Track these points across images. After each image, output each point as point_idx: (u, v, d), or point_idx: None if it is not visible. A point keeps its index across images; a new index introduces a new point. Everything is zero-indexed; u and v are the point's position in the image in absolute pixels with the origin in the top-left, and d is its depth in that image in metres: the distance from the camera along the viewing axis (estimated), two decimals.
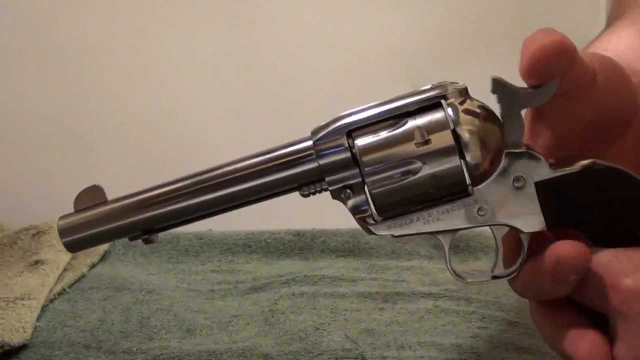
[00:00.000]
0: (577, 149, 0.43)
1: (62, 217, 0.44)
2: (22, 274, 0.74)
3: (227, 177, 0.42)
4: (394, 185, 0.41)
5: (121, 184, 1.23)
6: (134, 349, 0.61)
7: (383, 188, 0.41)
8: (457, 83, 0.42)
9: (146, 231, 0.43)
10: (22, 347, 0.61)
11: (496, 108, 0.42)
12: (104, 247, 0.82)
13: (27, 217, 0.92)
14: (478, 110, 0.41)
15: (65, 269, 0.77)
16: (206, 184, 0.42)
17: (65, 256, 0.80)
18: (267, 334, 0.62)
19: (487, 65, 1.09)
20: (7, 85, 1.11)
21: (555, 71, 0.40)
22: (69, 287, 0.73)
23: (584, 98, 0.41)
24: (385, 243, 0.78)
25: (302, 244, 0.80)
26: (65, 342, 0.62)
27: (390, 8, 1.09)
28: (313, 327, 0.62)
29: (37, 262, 0.77)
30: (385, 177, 0.41)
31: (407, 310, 0.64)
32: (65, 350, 0.61)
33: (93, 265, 0.78)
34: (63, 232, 0.43)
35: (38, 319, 0.66)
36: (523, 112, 0.41)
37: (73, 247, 0.44)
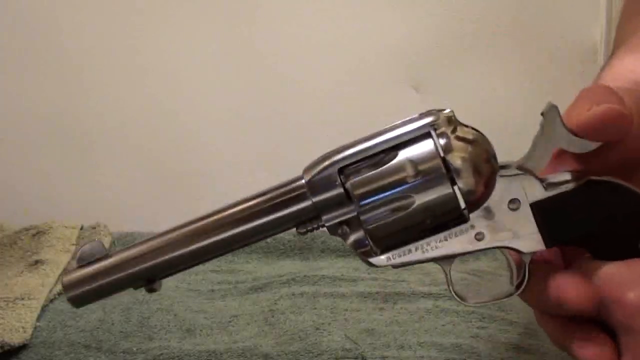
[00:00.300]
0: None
1: (65, 273, 0.45)
2: (22, 274, 0.74)
3: (223, 222, 0.42)
4: (389, 219, 0.41)
5: (121, 184, 1.24)
6: (134, 349, 0.61)
7: (379, 222, 0.41)
8: (444, 110, 0.42)
9: (149, 280, 0.44)
10: (22, 347, 0.61)
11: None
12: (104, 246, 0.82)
13: (27, 217, 0.92)
14: (468, 137, 0.41)
15: (65, 269, 0.77)
16: (202, 230, 0.43)
17: (65, 256, 0.80)
18: (267, 334, 0.62)
19: (487, 66, 1.09)
20: (7, 85, 1.11)
21: (610, 139, 0.40)
22: None
23: (618, 143, 0.41)
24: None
25: (302, 244, 0.80)
26: (65, 342, 0.62)
27: (390, 8, 1.09)
28: (313, 327, 0.62)
29: (37, 262, 0.77)
30: (380, 211, 0.41)
31: (407, 310, 0.64)
32: (65, 350, 0.61)
33: None
34: (67, 287, 0.44)
35: (38, 319, 0.66)
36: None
37: (78, 302, 0.44)
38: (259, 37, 1.10)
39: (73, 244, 0.83)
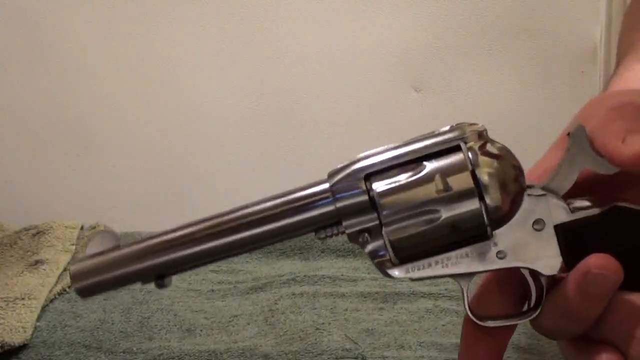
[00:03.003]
0: (599, 190, 0.42)
1: (74, 262, 0.43)
2: (22, 274, 0.74)
3: (242, 221, 0.41)
4: (412, 230, 0.40)
5: (121, 184, 1.24)
6: (134, 349, 0.61)
7: (402, 234, 0.40)
8: (476, 124, 0.41)
9: (159, 276, 0.43)
10: (22, 347, 0.61)
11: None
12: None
13: (27, 217, 0.92)
14: (498, 153, 0.40)
15: (65, 269, 0.77)
16: (221, 228, 0.41)
17: (65, 256, 0.80)
18: (267, 334, 0.62)
19: (487, 66, 1.09)
20: (8, 85, 1.11)
21: None
22: (69, 287, 0.73)
23: None
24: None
25: (302, 244, 0.80)
26: (65, 342, 0.62)
27: (391, 9, 1.09)
28: (313, 327, 0.62)
29: (37, 262, 0.77)
30: (404, 222, 0.40)
31: (407, 310, 0.64)
32: (65, 350, 0.61)
33: None
34: (75, 277, 0.42)
35: (38, 319, 0.66)
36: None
37: (85, 292, 0.42)
38: (260, 37, 1.10)
39: (73, 244, 0.83)
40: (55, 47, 1.10)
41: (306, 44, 1.10)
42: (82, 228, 0.87)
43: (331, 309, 0.65)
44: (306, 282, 0.71)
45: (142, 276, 0.42)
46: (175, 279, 0.76)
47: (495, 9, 1.09)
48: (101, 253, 0.42)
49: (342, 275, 0.72)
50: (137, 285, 0.72)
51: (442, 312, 0.63)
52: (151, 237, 0.42)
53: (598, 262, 0.38)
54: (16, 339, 0.61)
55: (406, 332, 0.60)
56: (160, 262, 0.42)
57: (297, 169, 1.09)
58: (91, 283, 0.42)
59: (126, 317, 0.66)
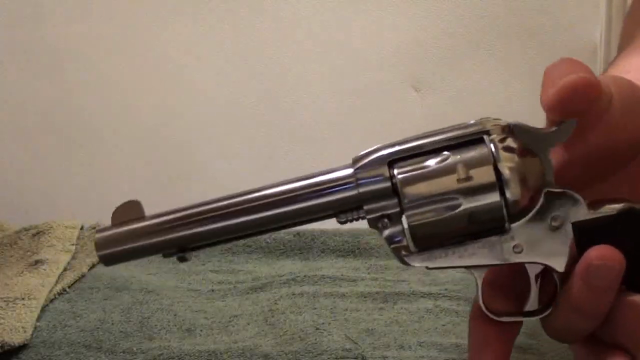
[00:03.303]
0: (580, 173, 0.42)
1: (99, 230, 0.43)
2: (22, 274, 0.74)
3: (267, 200, 0.42)
4: (432, 219, 0.40)
5: (121, 183, 1.23)
6: (134, 349, 0.61)
7: (422, 221, 0.40)
8: (499, 119, 0.41)
9: (181, 249, 0.43)
10: (22, 347, 0.61)
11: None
12: None
13: (27, 217, 0.92)
14: (520, 147, 0.40)
15: (65, 269, 0.77)
16: (246, 205, 0.42)
17: (66, 256, 0.80)
18: (267, 334, 0.62)
19: (487, 65, 1.09)
20: (7, 85, 1.11)
21: (581, 110, 0.39)
22: (69, 287, 0.73)
23: (597, 123, 0.40)
24: (385, 243, 0.78)
25: (302, 244, 0.80)
26: (65, 342, 0.62)
27: (391, 8, 1.09)
28: (313, 327, 0.62)
29: (37, 262, 0.77)
30: (424, 210, 0.40)
31: (407, 310, 0.64)
32: (65, 350, 0.61)
33: (93, 265, 0.78)
34: (100, 244, 0.43)
35: (38, 319, 0.66)
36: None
37: (108, 260, 0.43)
38: (259, 35, 1.10)
39: (73, 244, 0.83)
40: (55, 46, 1.10)
41: (306, 42, 1.10)
42: (82, 228, 0.87)
43: (331, 309, 0.65)
44: (306, 282, 0.71)
45: (166, 248, 0.42)
46: (176, 279, 0.77)
47: (496, 9, 1.09)
48: (126, 222, 0.43)
49: (342, 275, 0.72)
50: (137, 286, 0.72)
51: (442, 312, 0.63)
52: (176, 210, 0.43)
53: (599, 254, 0.38)
54: (16, 339, 0.61)
55: (406, 332, 0.60)
56: (184, 235, 0.42)
57: (297, 168, 1.09)
58: (115, 251, 0.42)
59: (126, 317, 0.66)
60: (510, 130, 0.41)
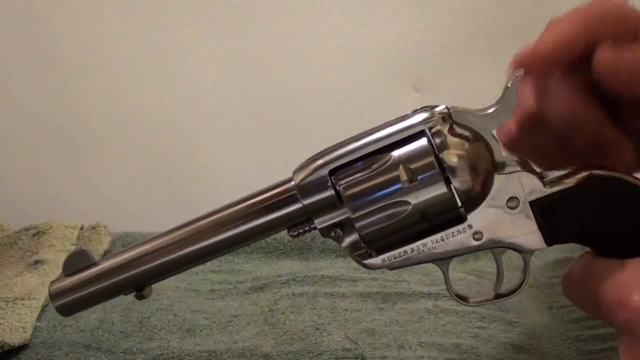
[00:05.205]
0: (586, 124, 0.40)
1: (52, 282, 0.44)
2: (22, 274, 0.74)
3: (211, 227, 0.42)
4: (383, 222, 0.40)
5: (121, 184, 1.23)
6: (134, 349, 0.61)
7: (373, 226, 0.40)
8: (439, 106, 0.41)
9: (139, 287, 0.43)
10: (22, 347, 0.61)
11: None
12: (104, 247, 0.82)
13: (27, 217, 0.92)
14: (464, 134, 0.40)
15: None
16: (192, 235, 0.42)
17: (65, 256, 0.80)
18: (267, 334, 0.62)
19: (487, 65, 1.09)
20: (7, 85, 1.11)
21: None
22: None
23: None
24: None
25: (302, 244, 0.80)
26: (65, 342, 0.62)
27: (391, 8, 1.09)
28: (313, 327, 0.62)
29: (37, 262, 0.77)
30: (373, 214, 0.40)
31: (407, 310, 0.64)
32: (65, 350, 0.61)
33: None
34: (54, 296, 0.43)
35: (38, 319, 0.66)
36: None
37: (66, 310, 0.44)
38: (258, 36, 1.10)
39: (73, 244, 0.83)
40: (55, 46, 1.10)
41: (306, 43, 1.10)
42: (82, 228, 0.87)
43: (331, 309, 0.66)
44: (306, 282, 0.71)
45: (122, 289, 0.43)
46: (176, 280, 0.77)
47: (496, 9, 1.09)
48: (78, 271, 0.43)
49: (342, 275, 0.72)
50: None
51: (442, 312, 0.63)
52: (126, 251, 0.43)
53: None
54: (16, 339, 0.61)
55: (406, 332, 0.60)
56: (136, 273, 0.42)
57: None
58: (71, 300, 0.43)
59: (126, 317, 0.66)
60: (451, 117, 0.40)
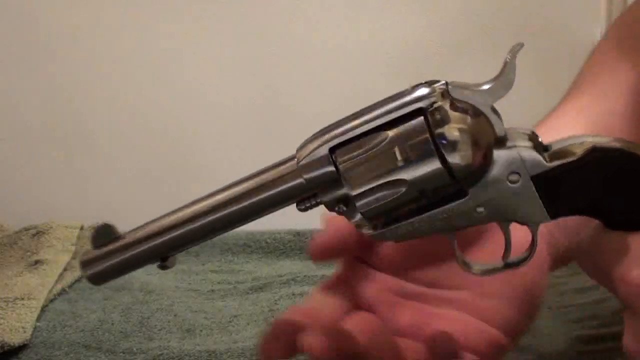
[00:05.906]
0: None
1: (84, 252, 0.46)
2: (22, 274, 0.74)
3: (227, 200, 0.44)
4: (383, 200, 0.40)
5: (121, 184, 1.23)
6: (134, 349, 0.61)
7: (373, 204, 0.40)
8: (438, 82, 0.41)
9: (163, 258, 0.45)
10: (22, 347, 0.61)
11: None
12: None
13: (27, 217, 0.92)
14: (462, 109, 0.40)
15: (65, 269, 0.77)
16: (210, 208, 0.44)
17: (66, 256, 0.80)
18: None
19: (487, 65, 1.09)
20: (7, 86, 1.11)
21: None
22: (69, 287, 0.73)
23: None
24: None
25: (302, 244, 0.80)
26: (65, 342, 0.62)
27: (391, 8, 1.09)
28: None
29: (37, 262, 0.77)
30: (373, 193, 0.40)
31: None
32: (65, 350, 0.61)
33: None
34: (85, 264, 0.45)
35: (38, 319, 0.66)
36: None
37: (96, 279, 0.46)
38: (257, 35, 1.10)
39: (73, 244, 0.83)
40: (55, 45, 1.10)
41: (306, 42, 1.10)
42: (82, 228, 0.87)
43: None
44: (306, 282, 0.71)
45: (148, 258, 0.45)
46: (175, 280, 0.76)
47: (496, 9, 1.09)
48: (107, 243, 0.45)
49: None
50: (137, 286, 0.72)
51: None
52: (149, 223, 0.45)
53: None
54: (16, 339, 0.61)
55: None
56: (160, 242, 0.44)
57: None
58: (101, 270, 0.45)
59: (126, 317, 0.66)
60: (449, 92, 0.41)
